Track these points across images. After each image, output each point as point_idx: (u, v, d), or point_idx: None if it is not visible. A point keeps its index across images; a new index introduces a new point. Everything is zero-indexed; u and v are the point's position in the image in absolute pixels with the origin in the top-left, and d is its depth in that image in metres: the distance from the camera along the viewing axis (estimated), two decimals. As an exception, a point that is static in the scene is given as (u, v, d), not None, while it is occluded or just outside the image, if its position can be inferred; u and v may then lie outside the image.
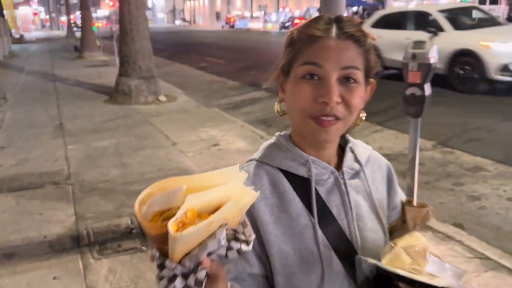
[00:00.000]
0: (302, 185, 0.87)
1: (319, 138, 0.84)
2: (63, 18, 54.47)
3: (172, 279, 0.59)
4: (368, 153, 0.99)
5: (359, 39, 0.82)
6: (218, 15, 72.54)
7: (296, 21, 39.34)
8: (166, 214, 0.59)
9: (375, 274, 0.81)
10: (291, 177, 0.87)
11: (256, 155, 0.93)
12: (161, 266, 0.60)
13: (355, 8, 40.26)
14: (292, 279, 0.83)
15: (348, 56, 0.80)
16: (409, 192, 3.05)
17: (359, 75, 0.82)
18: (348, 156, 0.93)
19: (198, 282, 0.59)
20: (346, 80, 0.80)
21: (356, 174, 0.93)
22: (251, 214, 0.82)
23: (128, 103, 8.40)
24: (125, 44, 8.67)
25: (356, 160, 0.94)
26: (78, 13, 29.41)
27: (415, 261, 0.80)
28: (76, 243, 3.20)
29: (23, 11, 43.31)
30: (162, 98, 8.76)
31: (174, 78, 12.20)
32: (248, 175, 0.82)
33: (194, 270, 0.59)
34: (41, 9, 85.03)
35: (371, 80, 0.88)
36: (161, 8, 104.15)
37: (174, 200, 0.59)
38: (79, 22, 24.90)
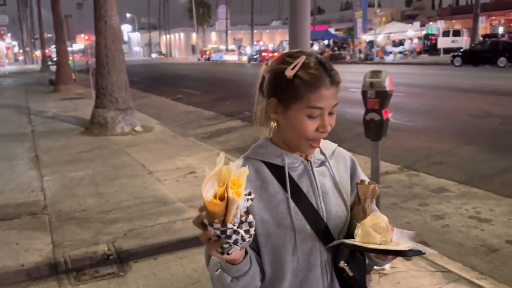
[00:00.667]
0: (278, 171, 1.12)
1: (308, 152, 1.14)
2: (37, 52, 54.22)
3: (234, 232, 0.85)
4: (334, 148, 1.24)
5: (339, 82, 1.09)
6: (193, 48, 73.63)
7: (264, 53, 40.54)
8: (218, 194, 0.84)
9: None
10: (270, 166, 1.13)
11: (246, 153, 1.19)
12: (224, 231, 0.85)
13: (326, 41, 41.59)
14: (271, 238, 1.09)
15: (335, 97, 1.09)
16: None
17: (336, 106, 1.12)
18: (316, 150, 1.17)
19: (251, 224, 0.87)
20: (331, 113, 1.10)
21: (322, 163, 1.18)
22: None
23: (104, 135, 8.46)
24: (101, 77, 8.81)
25: (322, 153, 1.19)
26: (52, 47, 29.54)
27: (383, 235, 1.02)
28: (53, 270, 3.24)
29: (-4, 46, 42.97)
30: (139, 128, 8.87)
31: (151, 109, 12.34)
32: (238, 165, 1.10)
33: (242, 221, 0.87)
34: (15, 43, 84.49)
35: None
36: (137, 41, 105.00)
37: (217, 183, 0.85)
38: (53, 56, 24.94)
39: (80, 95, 16.03)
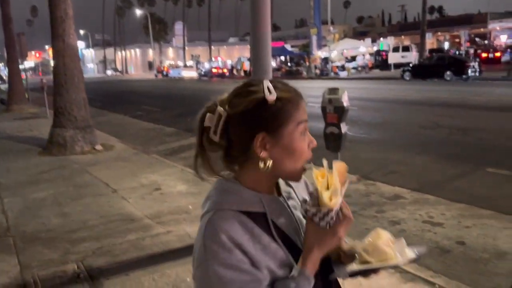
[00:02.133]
0: (261, 219, 0.99)
1: (300, 177, 1.04)
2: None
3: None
4: None
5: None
6: (150, 65, 72.95)
7: (214, 70, 41.16)
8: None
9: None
10: (247, 214, 0.98)
11: (215, 204, 1.00)
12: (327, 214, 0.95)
13: (282, 58, 42.56)
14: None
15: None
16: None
17: None
18: (281, 182, 1.10)
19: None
20: None
21: (290, 194, 1.10)
22: (243, 251, 0.94)
23: (63, 154, 8.31)
24: (59, 96, 8.69)
25: (287, 183, 1.12)
26: (1, 65, 28.47)
27: (393, 248, 1.02)
28: (23, 291, 3.23)
29: None
30: (99, 147, 8.78)
31: (109, 127, 12.20)
32: (221, 225, 0.94)
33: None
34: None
35: None
36: (91, 58, 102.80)
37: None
38: (3, 74, 24.07)
39: (35, 114, 15.58)
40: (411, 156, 7.38)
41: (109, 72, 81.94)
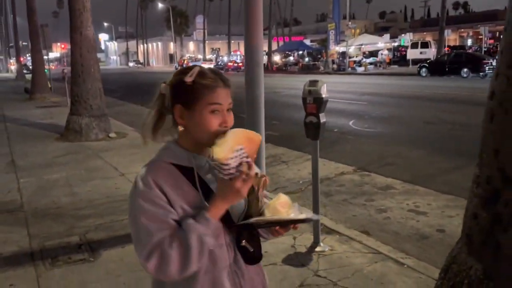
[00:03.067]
0: (188, 172, 1.28)
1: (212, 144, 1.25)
2: (12, 61, 53.50)
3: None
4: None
5: (230, 86, 1.33)
6: (171, 58, 73.67)
7: (229, 63, 41.67)
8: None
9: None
10: (180, 168, 1.28)
11: (156, 157, 1.32)
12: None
13: (301, 52, 42.54)
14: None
15: (229, 96, 1.31)
16: (314, 200, 3.71)
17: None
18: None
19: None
20: (228, 110, 1.31)
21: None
22: (162, 190, 1.24)
23: (79, 140, 8.77)
24: (76, 85, 9.14)
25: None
26: (28, 55, 29.44)
27: (287, 210, 1.30)
28: (30, 258, 3.60)
29: (-31, 53, 42.38)
30: (112, 135, 9.21)
31: (126, 117, 12.63)
32: (151, 169, 1.27)
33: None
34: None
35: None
36: (114, 50, 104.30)
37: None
38: (29, 64, 24.94)
39: (56, 103, 16.18)
40: (409, 149, 7.55)
41: (131, 64, 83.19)
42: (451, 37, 41.03)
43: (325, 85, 3.41)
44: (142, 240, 1.20)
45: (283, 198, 1.32)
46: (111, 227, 4.25)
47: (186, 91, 1.27)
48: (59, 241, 3.90)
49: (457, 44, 43.09)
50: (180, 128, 1.32)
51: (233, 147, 1.18)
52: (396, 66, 35.16)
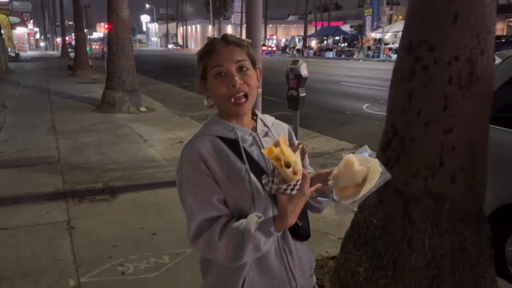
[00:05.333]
0: (233, 144, 1.25)
1: (239, 112, 1.24)
2: (58, 39, 56.06)
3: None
4: (273, 120, 1.42)
5: (239, 43, 1.26)
6: (209, 40, 74.53)
7: (263, 47, 42.07)
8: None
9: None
10: (224, 140, 1.25)
11: (199, 131, 1.30)
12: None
13: (337, 38, 42.39)
14: (237, 201, 1.23)
15: (236, 54, 1.23)
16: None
17: (248, 64, 1.24)
18: (259, 122, 1.35)
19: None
20: (240, 69, 1.23)
21: (266, 134, 1.34)
22: (207, 166, 1.21)
23: (112, 112, 9.75)
24: (111, 62, 10.09)
25: (265, 125, 1.36)
26: (73, 34, 30.95)
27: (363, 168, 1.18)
28: (63, 196, 4.50)
29: (20, 31, 44.77)
30: (142, 108, 10.14)
31: (158, 94, 13.59)
32: (195, 144, 1.24)
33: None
34: (37, 29, 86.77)
35: (258, 67, 1.32)
36: (155, 32, 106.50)
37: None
38: (73, 43, 26.36)
39: (95, 79, 17.37)
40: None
41: (170, 46, 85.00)
42: (499, 26, 39.58)
43: (305, 64, 4.06)
44: (188, 218, 1.21)
45: (353, 160, 1.19)
46: (130, 178, 5.09)
47: (199, 63, 1.29)
48: (86, 186, 4.78)
49: (505, 33, 41.53)
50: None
51: (295, 158, 1.08)
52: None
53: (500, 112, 3.25)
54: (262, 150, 1.18)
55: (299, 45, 45.59)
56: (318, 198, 1.35)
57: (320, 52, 40.90)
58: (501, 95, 3.20)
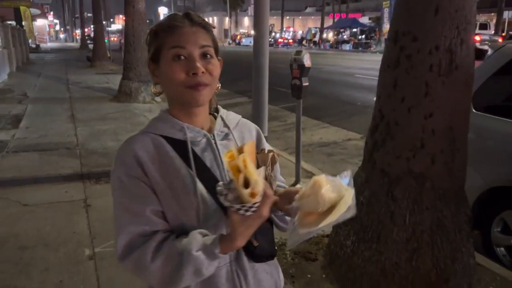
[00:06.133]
0: (181, 146, 1.05)
1: (195, 101, 1.03)
2: (78, 31, 56.97)
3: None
4: (237, 120, 1.19)
5: (205, 26, 1.08)
6: (226, 33, 74.81)
7: (280, 40, 41.91)
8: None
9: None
10: (171, 141, 1.05)
11: (144, 128, 1.10)
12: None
13: (354, 30, 42.10)
14: (177, 215, 1.04)
15: (202, 37, 1.04)
16: (297, 150, 4.60)
17: (212, 51, 1.06)
18: (218, 122, 1.14)
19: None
20: (204, 56, 1.04)
21: (225, 136, 1.13)
22: (144, 170, 1.02)
23: (128, 102, 10.07)
24: (128, 53, 10.40)
25: (226, 125, 1.14)
26: (92, 26, 31.50)
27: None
28: (80, 177, 4.80)
29: (40, 23, 45.63)
30: (158, 99, 10.43)
31: (173, 85, 13.87)
32: (133, 143, 1.04)
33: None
34: (57, 21, 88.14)
35: (219, 58, 1.11)
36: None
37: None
38: (92, 35, 26.87)
39: (113, 70, 17.76)
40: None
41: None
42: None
43: (308, 54, 4.25)
44: (116, 232, 1.03)
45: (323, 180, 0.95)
46: (143, 163, 5.37)
47: (151, 41, 1.09)
48: (102, 169, 5.07)
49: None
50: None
51: (257, 178, 0.91)
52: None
53: (489, 101, 3.41)
54: (223, 154, 0.98)
55: (315, 38, 45.44)
56: (286, 217, 1.14)
57: (336, 45, 40.73)
58: (492, 84, 3.36)
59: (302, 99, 4.45)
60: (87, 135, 6.81)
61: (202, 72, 1.03)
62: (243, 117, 1.25)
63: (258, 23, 4.80)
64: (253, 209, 0.92)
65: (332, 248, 2.85)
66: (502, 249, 3.19)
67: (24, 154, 5.69)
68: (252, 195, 0.89)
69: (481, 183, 3.22)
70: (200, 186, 1.04)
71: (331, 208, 0.94)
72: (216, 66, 1.07)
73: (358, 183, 2.72)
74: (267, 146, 1.19)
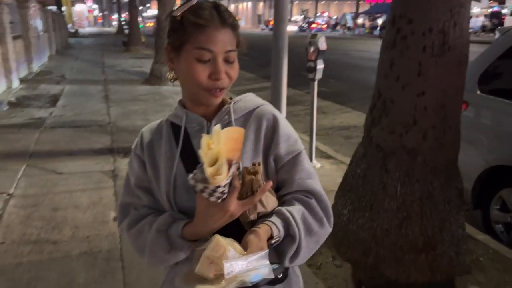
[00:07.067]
0: (178, 131, 1.13)
1: (209, 104, 1.08)
2: (115, 16, 58.24)
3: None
4: (252, 107, 1.15)
5: (235, 25, 1.05)
6: (259, 18, 74.60)
7: (313, 25, 41.23)
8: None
9: None
10: (174, 126, 1.15)
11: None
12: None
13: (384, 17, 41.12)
14: (156, 193, 1.13)
15: (229, 42, 1.02)
16: (311, 131, 4.79)
17: (235, 55, 1.05)
18: (222, 110, 1.13)
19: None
20: (227, 60, 1.03)
21: (227, 124, 1.10)
22: (142, 148, 1.19)
23: (159, 85, 10.47)
24: (160, 38, 10.77)
25: (228, 113, 1.12)
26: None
27: (218, 266, 0.85)
28: (110, 151, 5.20)
29: (79, 8, 47.05)
30: (187, 82, 10.79)
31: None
32: (147, 126, 1.25)
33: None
34: (95, 6, 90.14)
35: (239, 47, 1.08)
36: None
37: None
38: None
39: (147, 55, 18.26)
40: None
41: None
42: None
43: (323, 37, 4.42)
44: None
45: (216, 246, 0.88)
46: (168, 140, 5.73)
47: (174, 28, 1.05)
48: (130, 144, 5.38)
49: None
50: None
51: (222, 160, 0.85)
52: (492, 34, 32.92)
53: (494, 83, 3.51)
54: (202, 135, 0.88)
55: (350, 23, 44.76)
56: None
57: (371, 30, 39.99)
58: (497, 66, 3.46)
59: (316, 81, 4.63)
60: (118, 114, 7.23)
61: (223, 77, 1.04)
62: (264, 100, 1.21)
63: (277, 7, 5.00)
64: (217, 194, 0.88)
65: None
66: (500, 226, 3.33)
67: (60, 130, 6.16)
68: (215, 175, 0.84)
69: (482, 162, 3.35)
70: (180, 165, 1.08)
71: (220, 278, 0.85)
72: (236, 70, 1.07)
73: (357, 157, 2.92)
74: (282, 140, 1.11)
